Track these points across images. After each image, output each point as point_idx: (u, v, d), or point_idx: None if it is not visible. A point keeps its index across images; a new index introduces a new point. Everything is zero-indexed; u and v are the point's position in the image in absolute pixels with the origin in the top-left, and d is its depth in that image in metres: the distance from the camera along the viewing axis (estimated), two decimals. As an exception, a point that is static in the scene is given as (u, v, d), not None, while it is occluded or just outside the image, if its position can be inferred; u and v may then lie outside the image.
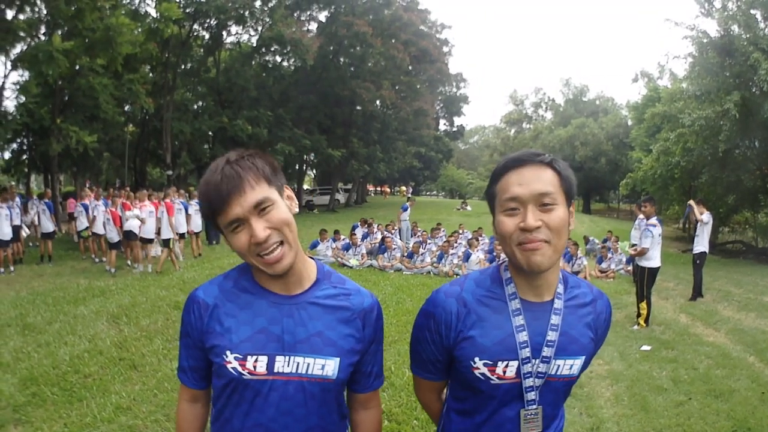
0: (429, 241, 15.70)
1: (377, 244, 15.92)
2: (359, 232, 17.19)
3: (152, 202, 13.64)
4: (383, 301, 9.85)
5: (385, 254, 14.89)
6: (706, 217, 11.26)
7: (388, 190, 72.53)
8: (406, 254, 14.97)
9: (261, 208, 1.47)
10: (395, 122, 44.02)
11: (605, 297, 1.76)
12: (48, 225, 14.45)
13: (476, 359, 1.59)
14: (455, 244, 15.00)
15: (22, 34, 17.81)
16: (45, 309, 8.82)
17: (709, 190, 20.34)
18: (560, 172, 1.52)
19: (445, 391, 1.87)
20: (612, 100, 63.22)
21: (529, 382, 1.58)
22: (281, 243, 1.50)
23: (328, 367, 1.59)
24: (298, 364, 1.57)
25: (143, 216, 12.90)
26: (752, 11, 16.68)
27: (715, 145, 17.76)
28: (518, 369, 1.57)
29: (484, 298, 1.63)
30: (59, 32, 17.25)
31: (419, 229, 18.11)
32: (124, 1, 19.47)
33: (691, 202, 11.83)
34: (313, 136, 35.54)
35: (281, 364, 1.56)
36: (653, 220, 9.03)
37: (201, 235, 17.04)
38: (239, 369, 1.55)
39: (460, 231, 17.72)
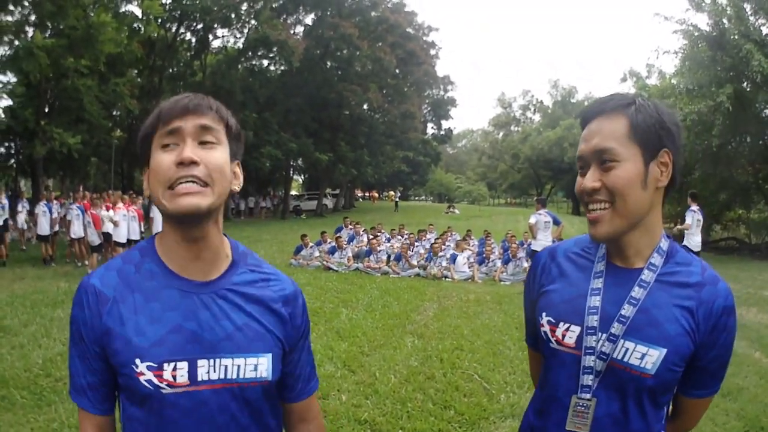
0: (417, 243, 15.49)
1: (363, 248, 15.67)
2: (345, 234, 16.96)
3: (126, 204, 13.65)
4: (369, 304, 9.66)
5: (371, 256, 14.60)
6: (692, 213, 11.41)
7: (377, 195, 72.45)
8: (393, 257, 14.71)
9: (204, 139, 1.26)
10: (383, 126, 44.00)
11: (722, 285, 1.36)
12: (45, 227, 14.28)
13: (543, 314, 1.46)
14: (443, 246, 14.81)
15: (10, 37, 17.54)
16: (23, 311, 8.58)
17: (702, 186, 20.20)
18: (632, 118, 1.29)
19: None
20: (600, 100, 63.61)
21: (588, 361, 1.35)
22: (204, 184, 1.23)
23: (261, 366, 1.31)
24: (225, 367, 1.28)
25: (116, 219, 12.81)
26: (743, 4, 16.62)
27: (708, 141, 17.67)
28: (579, 337, 1.37)
29: (574, 255, 1.50)
30: (42, 32, 17.03)
31: (406, 231, 17.85)
32: (105, 1, 19.19)
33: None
34: (299, 139, 35.39)
35: (205, 369, 1.26)
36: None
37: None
38: (155, 381, 1.23)
39: (450, 233, 17.61)
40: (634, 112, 1.30)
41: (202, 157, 1.23)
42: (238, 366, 1.28)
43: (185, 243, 1.29)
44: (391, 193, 68.88)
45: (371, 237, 15.58)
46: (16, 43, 17.34)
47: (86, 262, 13.64)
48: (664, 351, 1.30)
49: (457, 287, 11.94)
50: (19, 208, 16.51)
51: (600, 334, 1.34)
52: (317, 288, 11.06)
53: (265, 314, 1.35)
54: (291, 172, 46.09)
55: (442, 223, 26.62)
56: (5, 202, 14.36)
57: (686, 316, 1.32)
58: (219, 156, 1.26)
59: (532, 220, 12.15)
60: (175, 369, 1.24)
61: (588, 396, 1.35)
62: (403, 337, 7.46)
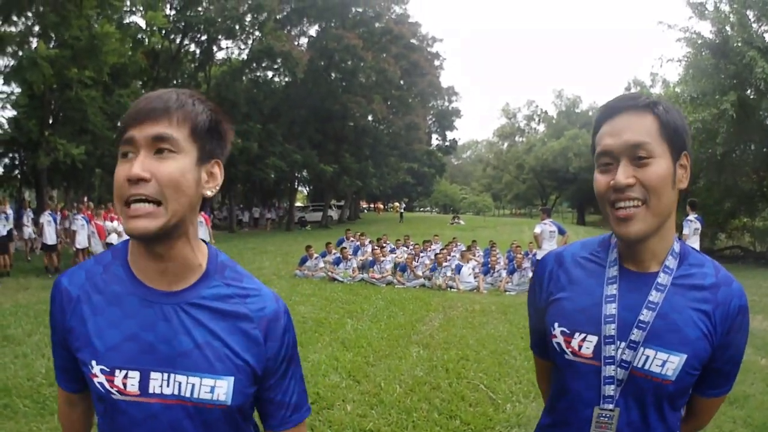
0: (421, 254, 15.47)
1: (368, 258, 15.63)
2: (348, 245, 16.91)
3: None
4: (374, 315, 9.60)
5: (375, 267, 14.58)
6: (689, 222, 11.59)
7: (381, 206, 72.52)
8: (398, 267, 14.68)
9: (158, 147, 1.16)
10: (387, 137, 44.08)
11: (736, 285, 1.35)
12: (50, 236, 14.25)
13: (556, 324, 1.41)
14: (449, 257, 14.79)
15: (13, 47, 17.64)
16: (26, 321, 8.57)
17: (706, 194, 20.15)
18: (661, 117, 1.29)
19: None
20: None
21: (609, 371, 1.32)
22: (156, 203, 1.15)
23: (220, 389, 1.23)
24: (179, 384, 1.22)
25: (120, 229, 12.85)
26: (746, 11, 16.63)
27: (713, 149, 17.62)
28: (597, 347, 1.34)
29: (583, 260, 1.46)
30: (46, 43, 17.11)
31: (411, 242, 17.83)
32: (109, 11, 19.33)
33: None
34: (304, 151, 35.45)
35: (158, 382, 1.22)
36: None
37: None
38: (107, 386, 1.22)
39: (455, 244, 17.59)
40: (663, 111, 1.30)
41: (155, 171, 1.15)
42: (193, 385, 1.22)
43: (152, 256, 1.24)
44: (396, 204, 69.00)
45: (375, 248, 15.52)
46: (20, 53, 17.43)
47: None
48: (685, 356, 1.29)
49: (462, 297, 11.88)
50: (24, 219, 16.53)
51: (619, 342, 1.32)
52: (322, 299, 11.04)
53: (234, 334, 1.27)
54: (296, 183, 46.19)
55: (447, 233, 26.63)
56: (10, 212, 14.37)
57: (704, 319, 1.31)
58: (174, 168, 1.17)
59: (537, 230, 12.14)
60: (126, 377, 1.21)
61: (611, 407, 1.33)
62: (409, 347, 7.42)
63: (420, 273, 14.19)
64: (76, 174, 26.25)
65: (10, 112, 20.33)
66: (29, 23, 18.17)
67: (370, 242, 17.59)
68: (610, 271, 1.39)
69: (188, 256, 1.27)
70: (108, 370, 1.21)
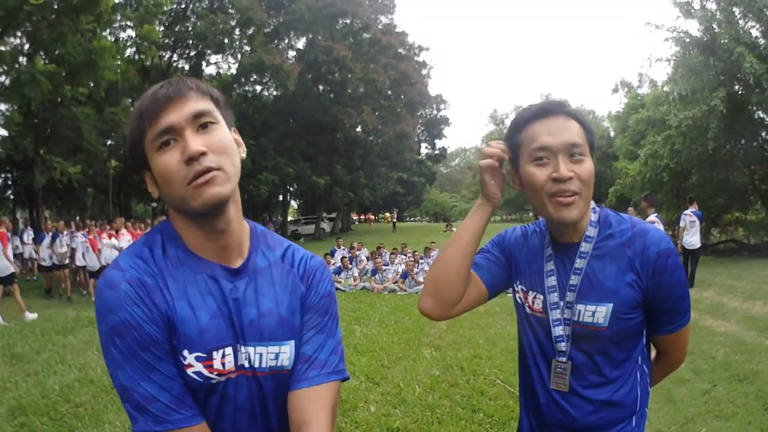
0: (422, 260, 15.51)
1: (366, 266, 15.79)
2: (339, 254, 17.14)
3: (129, 231, 13.72)
4: (381, 321, 9.68)
5: (376, 276, 14.63)
6: (684, 216, 12.19)
7: (373, 217, 72.47)
8: (399, 275, 14.73)
9: (201, 123, 1.18)
10: (377, 147, 44.28)
11: (653, 234, 1.53)
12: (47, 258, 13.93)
13: (517, 282, 1.69)
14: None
15: (4, 66, 17.60)
16: (33, 339, 8.53)
17: (699, 190, 20.26)
18: (584, 124, 1.52)
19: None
20: (593, 112, 64.04)
21: (558, 331, 1.56)
22: (219, 169, 1.17)
23: (283, 355, 1.25)
24: (249, 354, 1.22)
25: (121, 245, 12.80)
26: (732, 9, 16.82)
27: (704, 145, 17.80)
28: (544, 303, 1.59)
29: (532, 232, 1.72)
30: (42, 56, 17.07)
31: (409, 250, 17.80)
32: (104, 30, 19.34)
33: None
34: (296, 164, 35.45)
35: (242, 356, 1.22)
36: (652, 217, 8.94)
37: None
38: (205, 372, 1.17)
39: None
40: (582, 120, 1.53)
41: (207, 143, 1.16)
42: (261, 354, 1.23)
43: (212, 236, 1.24)
44: (387, 214, 68.99)
45: (377, 257, 15.53)
46: (17, 68, 17.35)
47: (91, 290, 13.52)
48: (611, 305, 1.49)
49: (465, 300, 11.91)
50: (25, 237, 16.44)
51: (561, 302, 1.56)
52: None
53: (288, 296, 1.30)
54: (288, 196, 46.17)
55: (442, 241, 26.62)
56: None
57: (626, 270, 1.50)
58: (221, 135, 1.21)
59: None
60: (224, 357, 1.19)
61: (564, 359, 1.56)
62: (420, 349, 7.46)
63: (421, 279, 14.21)
64: (71, 193, 26.13)
65: (3, 131, 20.18)
66: (21, 41, 18.14)
67: (367, 256, 17.50)
68: (547, 251, 1.63)
69: (240, 229, 1.29)
70: (205, 355, 1.17)
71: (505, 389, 5.55)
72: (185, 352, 1.15)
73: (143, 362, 1.11)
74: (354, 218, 67.14)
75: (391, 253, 17.26)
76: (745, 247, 21.08)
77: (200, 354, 1.16)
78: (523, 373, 1.72)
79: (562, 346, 1.55)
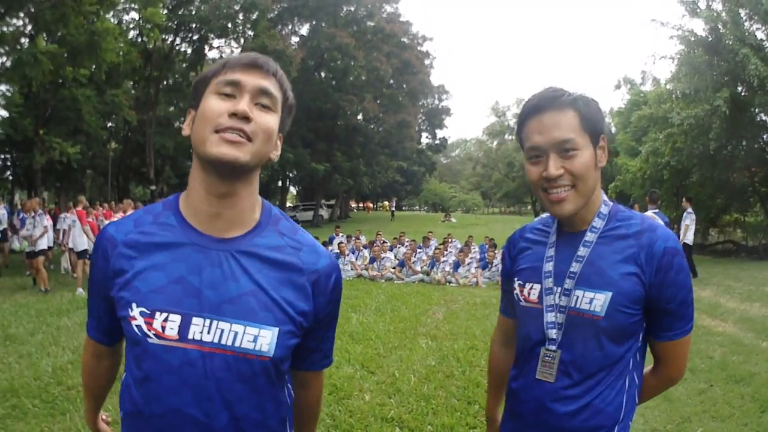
0: (419, 250, 15.53)
1: (366, 255, 15.70)
2: (336, 242, 17.20)
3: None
4: (378, 309, 9.65)
5: (374, 264, 14.64)
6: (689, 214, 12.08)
7: (371, 205, 72.41)
8: (396, 264, 14.76)
9: (262, 102, 1.25)
10: (378, 135, 44.08)
11: (661, 231, 1.53)
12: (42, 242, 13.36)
13: (515, 279, 1.70)
14: (446, 252, 14.87)
15: (5, 47, 17.49)
16: (27, 320, 8.47)
17: (698, 190, 20.31)
18: (581, 111, 1.48)
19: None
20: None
21: (550, 317, 1.56)
22: (250, 140, 1.21)
23: (263, 339, 1.22)
24: (222, 331, 1.21)
25: None
26: (738, 10, 16.77)
27: (705, 144, 17.75)
28: (540, 292, 1.60)
29: (536, 230, 1.72)
30: (44, 37, 16.96)
31: (407, 239, 17.81)
32: (107, 12, 19.21)
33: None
34: (296, 150, 35.34)
35: (199, 328, 1.20)
36: (650, 213, 8.96)
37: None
38: (144, 329, 1.21)
39: (450, 240, 17.56)
40: (583, 105, 1.49)
41: (255, 117, 1.21)
42: (236, 333, 1.21)
43: (211, 197, 1.25)
44: (386, 203, 68.95)
45: (376, 245, 15.50)
46: (18, 48, 17.28)
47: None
48: (610, 294, 1.48)
49: (462, 291, 11.98)
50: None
51: (556, 288, 1.56)
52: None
53: (283, 285, 1.28)
54: (287, 182, 46.08)
55: (440, 231, 26.65)
56: (3, 212, 14.25)
57: (629, 261, 1.50)
58: (272, 122, 1.26)
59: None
60: (166, 320, 1.20)
61: (554, 348, 1.55)
62: (416, 338, 7.47)
63: (418, 269, 14.25)
64: (70, 175, 26.07)
65: (3, 112, 20.10)
66: (22, 22, 18.04)
67: (364, 245, 17.44)
68: (552, 237, 1.64)
69: (246, 206, 1.30)
70: (148, 312, 1.21)
71: (501, 382, 5.56)
72: (133, 305, 1.23)
73: (92, 291, 1.39)
74: (352, 206, 67.06)
75: (391, 245, 17.26)
76: (742, 248, 21.08)
77: (144, 310, 1.22)
78: (513, 372, 1.74)
79: (553, 333, 1.54)
